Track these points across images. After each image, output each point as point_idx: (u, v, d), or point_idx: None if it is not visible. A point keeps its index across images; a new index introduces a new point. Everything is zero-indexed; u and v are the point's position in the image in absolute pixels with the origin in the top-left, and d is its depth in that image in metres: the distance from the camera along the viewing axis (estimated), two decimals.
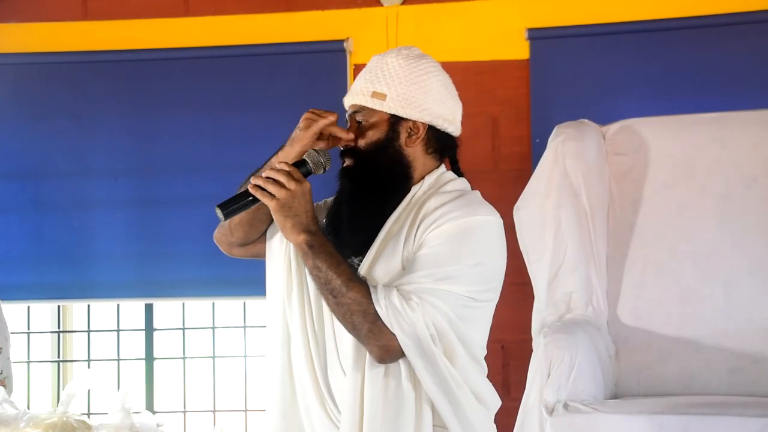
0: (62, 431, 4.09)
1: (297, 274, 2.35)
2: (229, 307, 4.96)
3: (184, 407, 4.90)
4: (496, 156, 4.60)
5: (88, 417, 4.47)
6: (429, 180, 2.34)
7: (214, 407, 4.87)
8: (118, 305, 4.91)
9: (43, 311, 5.05)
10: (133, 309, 4.95)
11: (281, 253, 2.40)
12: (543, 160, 3.91)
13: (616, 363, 3.73)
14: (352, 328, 2.17)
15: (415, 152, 2.34)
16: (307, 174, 2.30)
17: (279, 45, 4.72)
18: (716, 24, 4.43)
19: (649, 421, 3.19)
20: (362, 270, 2.25)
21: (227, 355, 4.92)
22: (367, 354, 2.18)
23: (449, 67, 4.82)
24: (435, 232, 2.22)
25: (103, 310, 5.01)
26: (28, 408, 4.47)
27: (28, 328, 4.99)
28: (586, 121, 4.00)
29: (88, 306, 4.94)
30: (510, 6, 4.63)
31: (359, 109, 2.35)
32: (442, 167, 2.39)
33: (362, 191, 2.33)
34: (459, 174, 2.45)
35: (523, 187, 3.91)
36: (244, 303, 4.83)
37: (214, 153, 4.71)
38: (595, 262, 3.79)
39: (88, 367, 4.94)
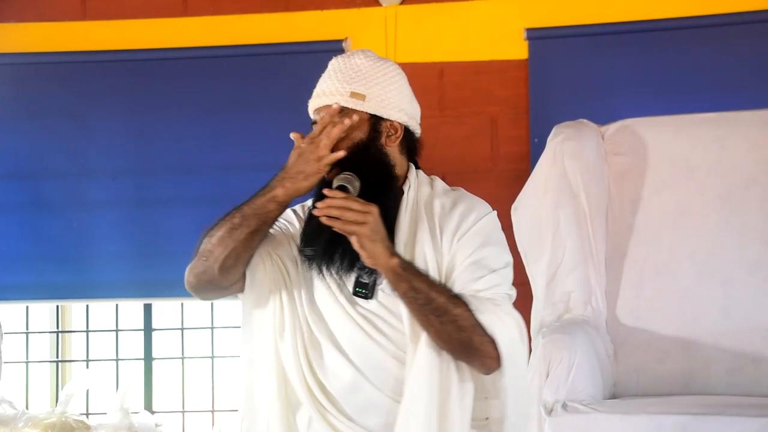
0: (61, 431, 4.09)
1: (289, 305, 2.28)
2: (227, 308, 4.95)
3: (183, 407, 4.89)
4: (495, 156, 4.60)
5: (87, 417, 4.48)
6: (412, 179, 2.34)
7: (213, 407, 4.87)
8: (116, 305, 4.91)
9: (42, 311, 5.04)
10: (131, 309, 4.94)
11: (267, 284, 2.30)
12: (542, 159, 3.91)
13: (614, 363, 3.73)
14: (461, 345, 2.15)
15: (394, 152, 2.32)
16: None
17: (277, 45, 4.72)
18: (715, 24, 4.43)
19: (647, 421, 3.19)
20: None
21: (226, 355, 4.92)
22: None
23: (448, 67, 4.84)
24: (468, 236, 2.26)
25: (102, 310, 5.01)
26: (27, 408, 4.48)
27: (27, 328, 4.98)
28: (584, 121, 4.00)
29: (87, 306, 4.94)
30: (509, 6, 4.63)
31: (341, 110, 2.29)
32: (412, 166, 2.38)
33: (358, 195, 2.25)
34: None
35: (522, 187, 3.91)
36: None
37: (213, 153, 4.71)
38: (593, 262, 3.79)
39: (87, 367, 4.93)
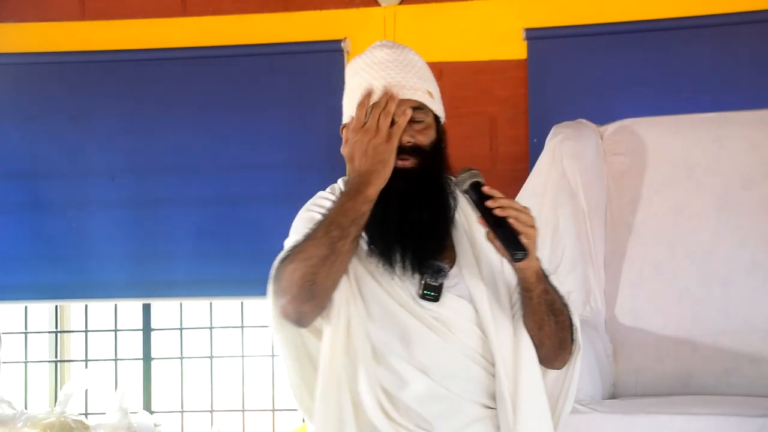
0: (60, 431, 4.09)
1: (355, 312, 2.18)
2: (226, 308, 4.95)
3: (182, 407, 4.89)
4: (494, 155, 4.60)
5: (86, 417, 4.48)
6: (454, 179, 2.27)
7: (212, 407, 4.87)
8: (115, 305, 4.91)
9: (41, 311, 5.04)
10: (130, 309, 4.94)
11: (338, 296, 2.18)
12: (540, 159, 3.91)
13: (614, 363, 3.73)
14: (559, 343, 2.20)
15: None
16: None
17: (276, 45, 4.72)
18: (714, 24, 4.43)
19: (647, 421, 3.19)
20: (492, 277, 2.22)
21: (225, 355, 4.92)
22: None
23: (447, 67, 4.84)
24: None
25: (101, 310, 5.01)
26: (26, 408, 4.47)
27: (26, 328, 4.98)
28: (584, 120, 4.01)
29: (86, 306, 4.93)
30: (508, 6, 4.63)
31: (420, 106, 2.22)
32: None
33: (425, 194, 2.21)
34: None
35: (521, 187, 3.91)
36: (242, 303, 4.83)
37: (212, 153, 4.71)
38: (592, 262, 3.79)
39: (86, 367, 4.93)
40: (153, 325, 4.88)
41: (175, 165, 4.72)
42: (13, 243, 4.76)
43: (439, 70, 4.63)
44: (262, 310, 4.84)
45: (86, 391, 4.74)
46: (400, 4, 4.66)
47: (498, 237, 2.05)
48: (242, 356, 4.84)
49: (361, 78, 2.25)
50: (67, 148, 4.77)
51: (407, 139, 2.17)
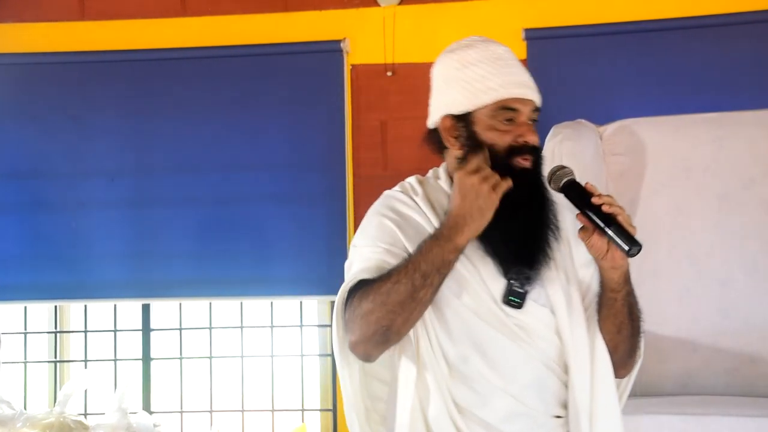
0: (59, 431, 4.08)
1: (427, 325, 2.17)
2: (226, 308, 4.95)
3: (181, 407, 4.89)
4: None
5: (85, 417, 4.47)
6: None
7: (211, 407, 4.86)
8: (115, 305, 4.91)
9: (40, 311, 5.04)
10: (130, 309, 4.94)
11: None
12: None
13: None
14: (632, 347, 2.21)
15: None
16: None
17: (276, 45, 4.72)
18: (713, 24, 4.43)
19: (647, 421, 3.19)
20: (567, 283, 2.19)
21: (224, 356, 4.91)
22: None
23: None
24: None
25: (100, 310, 5.01)
26: (25, 408, 4.47)
27: (25, 329, 4.98)
28: (583, 121, 4.00)
29: (85, 306, 4.93)
30: (507, 6, 4.63)
31: (538, 108, 2.23)
32: None
33: (541, 192, 2.21)
34: None
35: None
36: (241, 303, 4.83)
37: (211, 153, 4.71)
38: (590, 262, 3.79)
39: (85, 367, 4.93)
40: (152, 326, 4.88)
41: (175, 165, 4.72)
42: (13, 243, 4.76)
43: None
44: (262, 310, 4.84)
45: (85, 391, 4.74)
46: (400, 4, 4.66)
47: (613, 233, 2.05)
48: (241, 356, 4.84)
49: (482, 71, 2.22)
50: (66, 148, 4.77)
51: (534, 138, 2.17)
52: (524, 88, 2.20)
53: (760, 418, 3.12)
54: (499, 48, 2.26)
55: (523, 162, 2.14)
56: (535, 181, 2.17)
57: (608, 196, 2.07)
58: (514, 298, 2.12)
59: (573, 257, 2.21)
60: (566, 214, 2.23)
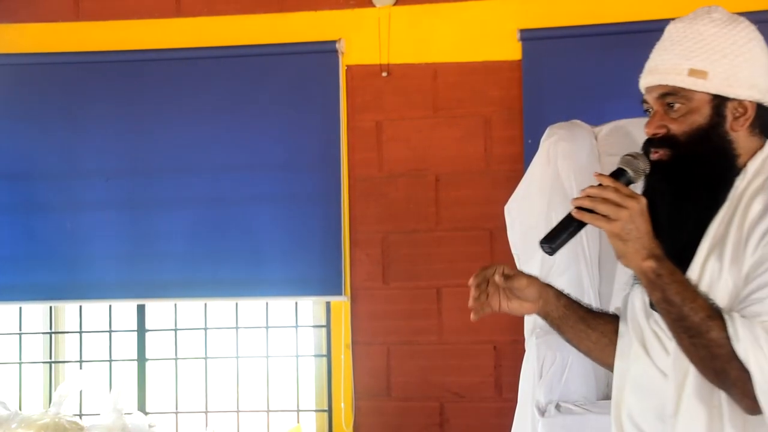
0: None
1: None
2: (221, 308, 4.95)
3: (176, 408, 4.89)
4: (488, 156, 4.60)
5: (80, 418, 4.47)
6: (753, 166, 1.96)
7: (206, 408, 4.86)
8: (110, 306, 4.90)
9: (35, 312, 5.03)
10: (125, 310, 4.93)
11: None
12: (535, 160, 3.90)
13: None
14: (715, 375, 1.83)
15: (741, 137, 1.97)
16: (627, 185, 1.95)
17: (271, 46, 4.72)
18: None
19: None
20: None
21: (219, 356, 4.91)
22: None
23: (442, 68, 4.84)
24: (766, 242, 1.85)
25: (95, 311, 5.00)
26: (20, 409, 4.46)
27: (20, 329, 4.97)
28: (578, 121, 4.00)
29: (80, 307, 4.92)
30: (502, 7, 4.63)
31: (672, 91, 1.98)
32: (767, 147, 2.00)
33: (682, 189, 1.96)
34: None
35: (515, 188, 3.91)
36: (237, 304, 4.83)
37: (206, 154, 4.71)
38: (586, 262, 3.78)
39: (80, 368, 4.92)
40: (147, 326, 4.87)
41: (170, 165, 4.72)
42: (7, 244, 4.76)
43: (434, 71, 4.66)
44: (257, 311, 4.84)
45: (81, 392, 4.73)
46: (395, 4, 4.66)
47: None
48: (237, 357, 4.83)
49: None
50: (61, 149, 4.77)
51: (653, 131, 1.99)
52: (648, 75, 2.06)
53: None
54: (672, 27, 2.10)
55: (653, 155, 1.99)
56: (670, 172, 1.97)
57: (601, 183, 1.89)
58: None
59: (748, 256, 1.89)
60: (762, 218, 1.89)
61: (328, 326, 4.74)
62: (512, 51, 4.60)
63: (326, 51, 4.68)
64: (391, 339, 4.63)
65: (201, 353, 4.88)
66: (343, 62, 4.69)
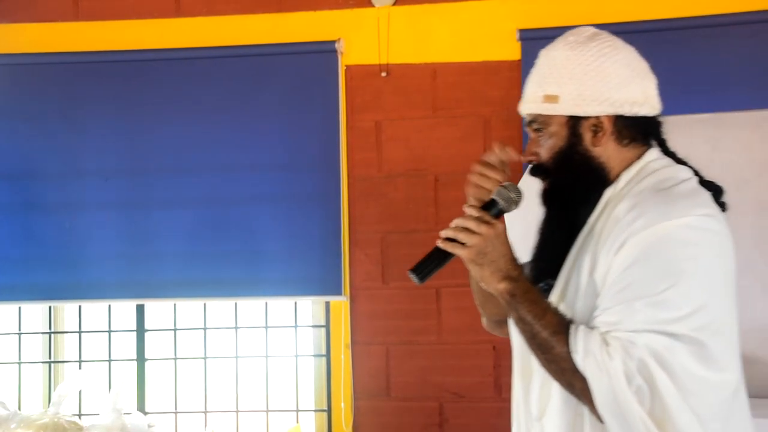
0: None
1: None
2: (220, 308, 4.95)
3: (176, 408, 4.89)
4: None
5: (80, 418, 4.47)
6: (626, 177, 2.04)
7: (206, 408, 4.86)
8: (109, 306, 4.91)
9: (34, 312, 5.04)
10: (124, 310, 4.94)
11: None
12: None
13: None
14: (568, 388, 1.91)
15: (607, 150, 2.04)
16: (499, 214, 2.06)
17: (270, 46, 4.72)
18: (707, 25, 4.43)
19: None
20: (552, 298, 2.00)
21: (219, 356, 4.91)
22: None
23: (441, 68, 4.83)
24: (622, 252, 1.90)
25: (95, 311, 5.01)
26: (19, 409, 4.47)
27: (20, 329, 4.98)
28: None
29: (80, 307, 4.93)
30: (501, 7, 4.63)
31: (534, 119, 2.07)
32: (648, 155, 2.10)
33: (557, 211, 2.08)
34: (674, 157, 2.17)
35: None
36: (236, 304, 4.83)
37: (206, 154, 4.71)
38: None
39: (80, 368, 4.93)
40: (147, 326, 4.87)
41: (169, 165, 4.72)
42: (7, 244, 4.76)
43: (433, 71, 4.66)
44: (256, 310, 4.84)
45: (80, 391, 4.74)
46: (394, 5, 4.66)
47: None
48: (236, 357, 4.84)
49: None
50: (60, 149, 4.76)
51: (526, 158, 2.10)
52: (520, 104, 2.12)
53: (760, 419, 3.11)
54: (539, 56, 2.12)
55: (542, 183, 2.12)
56: (548, 198, 2.11)
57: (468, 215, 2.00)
58: None
59: (600, 276, 1.97)
60: (619, 223, 1.97)
61: (327, 326, 4.74)
62: (511, 51, 4.60)
63: (325, 51, 4.68)
64: (391, 339, 4.63)
65: (200, 353, 4.88)
66: (343, 62, 4.69)
